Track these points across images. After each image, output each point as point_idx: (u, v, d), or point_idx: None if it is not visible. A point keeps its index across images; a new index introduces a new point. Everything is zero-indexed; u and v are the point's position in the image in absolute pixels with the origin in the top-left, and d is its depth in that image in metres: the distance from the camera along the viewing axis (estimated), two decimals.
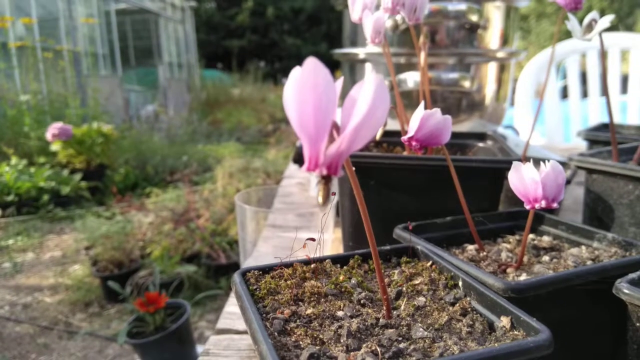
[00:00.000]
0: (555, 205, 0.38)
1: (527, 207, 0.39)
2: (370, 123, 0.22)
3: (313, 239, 0.39)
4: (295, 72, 0.22)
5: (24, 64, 4.26)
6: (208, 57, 12.10)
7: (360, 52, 0.97)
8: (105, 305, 2.25)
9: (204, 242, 2.47)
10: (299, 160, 1.21)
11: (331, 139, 0.24)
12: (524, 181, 0.39)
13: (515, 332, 0.32)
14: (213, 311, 2.18)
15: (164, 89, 7.51)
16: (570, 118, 2.02)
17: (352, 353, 0.30)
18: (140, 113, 6.47)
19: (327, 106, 0.21)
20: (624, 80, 1.98)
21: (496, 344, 0.31)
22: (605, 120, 0.71)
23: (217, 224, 2.62)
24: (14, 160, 3.52)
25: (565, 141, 1.97)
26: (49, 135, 3.47)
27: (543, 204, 0.38)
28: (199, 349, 1.76)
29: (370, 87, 0.21)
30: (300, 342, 0.31)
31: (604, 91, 0.62)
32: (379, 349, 0.30)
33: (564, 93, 2.09)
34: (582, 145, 0.93)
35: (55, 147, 3.58)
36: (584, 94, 2.03)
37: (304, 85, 0.21)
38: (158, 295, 1.64)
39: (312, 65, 0.21)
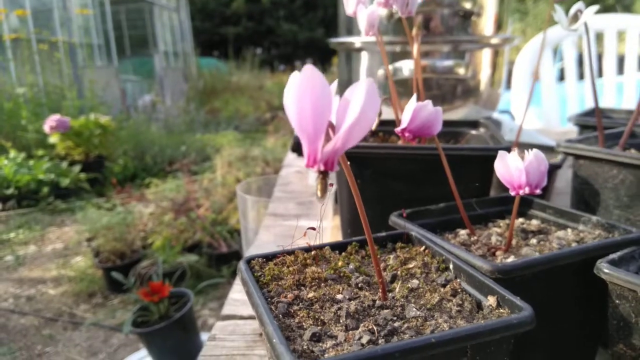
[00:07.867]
0: (538, 191, 0.40)
1: (512, 193, 0.42)
2: (362, 123, 0.24)
3: (314, 228, 0.41)
4: (295, 78, 0.24)
5: (19, 56, 4.25)
6: (204, 45, 12.01)
7: (356, 41, 0.98)
8: (108, 295, 2.29)
9: (205, 232, 2.50)
10: (297, 149, 1.24)
11: (327, 138, 0.26)
12: (509, 169, 0.41)
13: (501, 310, 0.34)
14: (215, 299, 2.22)
15: (160, 78, 7.49)
16: (567, 100, 2.03)
17: (350, 332, 0.32)
18: (137, 103, 6.45)
19: (323, 109, 0.24)
20: (621, 61, 1.99)
21: (483, 321, 0.33)
22: (602, 103, 0.74)
23: (218, 213, 2.64)
24: (12, 153, 3.53)
25: (562, 124, 1.98)
26: (46, 128, 3.48)
27: (527, 190, 0.40)
28: (203, 336, 1.79)
29: (362, 90, 0.24)
30: (303, 323, 0.34)
31: (591, 77, 0.64)
32: (375, 328, 0.32)
33: (561, 75, 2.10)
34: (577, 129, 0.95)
35: (53, 139, 3.59)
36: (581, 75, 2.04)
37: (303, 91, 0.23)
38: (162, 284, 1.67)
39: (309, 73, 0.23)
